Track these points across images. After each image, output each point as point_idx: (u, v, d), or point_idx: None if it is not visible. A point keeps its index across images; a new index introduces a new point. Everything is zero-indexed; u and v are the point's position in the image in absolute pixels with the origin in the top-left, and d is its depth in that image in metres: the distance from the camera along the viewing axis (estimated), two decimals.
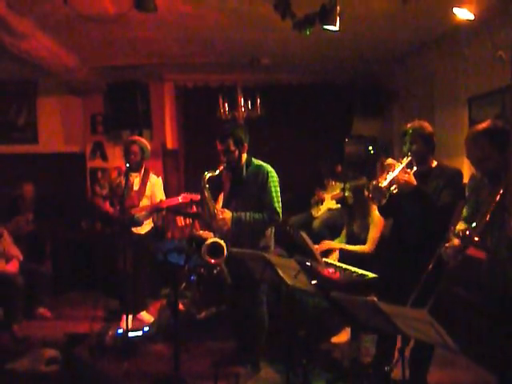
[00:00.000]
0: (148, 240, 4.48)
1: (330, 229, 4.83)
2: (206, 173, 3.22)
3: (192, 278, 4.24)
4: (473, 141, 2.38)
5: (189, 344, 3.65)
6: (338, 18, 3.29)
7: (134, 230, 4.35)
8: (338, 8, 3.26)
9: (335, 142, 6.16)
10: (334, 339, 3.79)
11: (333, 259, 3.68)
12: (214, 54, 5.47)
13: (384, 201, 2.62)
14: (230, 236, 3.17)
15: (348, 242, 3.82)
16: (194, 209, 4.58)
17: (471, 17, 3.85)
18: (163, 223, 5.61)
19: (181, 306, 4.17)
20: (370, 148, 5.90)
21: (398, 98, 6.19)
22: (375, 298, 2.32)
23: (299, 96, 6.35)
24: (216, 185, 3.44)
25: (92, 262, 5.48)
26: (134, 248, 4.28)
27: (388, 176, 2.63)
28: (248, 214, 3.20)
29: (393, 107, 6.29)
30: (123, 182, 4.02)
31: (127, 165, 4.07)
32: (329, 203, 5.39)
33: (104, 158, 6.33)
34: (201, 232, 3.39)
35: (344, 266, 3.22)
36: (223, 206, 3.34)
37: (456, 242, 2.24)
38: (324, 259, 3.33)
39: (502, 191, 2.21)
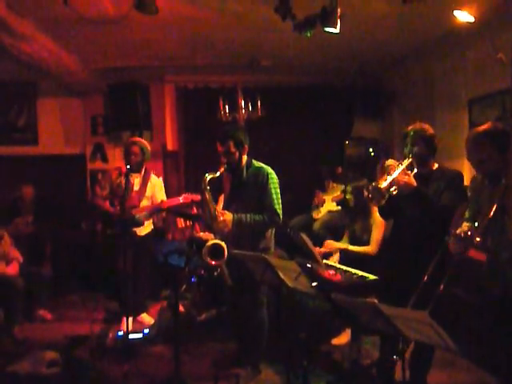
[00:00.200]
0: (148, 241, 4.48)
1: (331, 231, 4.83)
2: (207, 174, 3.22)
3: (192, 279, 4.24)
4: (474, 142, 2.39)
5: (189, 346, 3.65)
6: (338, 20, 3.29)
7: (135, 231, 4.35)
8: (339, 10, 3.27)
9: (335, 144, 6.17)
10: (335, 341, 3.79)
11: (333, 261, 3.68)
12: (215, 56, 5.48)
13: (383, 202, 2.62)
14: (230, 238, 3.17)
15: (350, 244, 3.82)
16: (195, 210, 4.58)
17: (471, 19, 3.86)
18: (163, 225, 5.61)
19: (181, 308, 4.17)
20: (371, 150, 5.91)
21: (398, 99, 6.20)
22: (376, 300, 2.32)
23: (299, 97, 6.35)
24: (216, 186, 3.44)
25: (92, 264, 5.48)
26: (134, 249, 4.28)
27: (388, 177, 2.63)
28: (248, 215, 3.20)
29: (393, 109, 6.30)
30: (123, 182, 4.02)
31: (128, 166, 4.07)
32: (329, 205, 5.39)
33: (104, 159, 6.33)
34: (201, 234, 3.39)
35: (344, 267, 3.22)
36: (224, 208, 3.34)
37: (465, 227, 2.24)
38: (324, 261, 3.33)
39: (502, 193, 2.21)
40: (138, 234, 4.41)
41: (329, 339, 3.78)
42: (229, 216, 3.18)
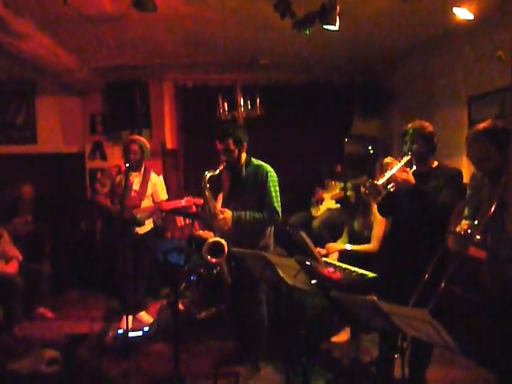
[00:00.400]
0: (148, 240, 4.48)
1: (330, 228, 4.84)
2: (207, 172, 3.22)
3: (192, 277, 4.24)
4: (473, 140, 2.39)
5: (189, 344, 3.65)
6: (337, 18, 3.29)
7: (135, 229, 4.35)
8: (338, 7, 3.27)
9: (335, 142, 6.17)
10: (334, 338, 3.79)
11: (332, 259, 3.68)
12: (214, 54, 5.47)
13: (379, 198, 2.64)
14: (230, 235, 3.17)
15: (350, 241, 3.83)
16: (194, 209, 4.58)
17: (471, 17, 3.86)
18: (163, 223, 5.61)
19: (181, 306, 4.17)
20: (370, 147, 5.91)
21: (397, 97, 6.19)
22: (375, 298, 2.32)
23: (299, 95, 6.34)
24: (215, 184, 3.44)
25: (91, 263, 5.48)
26: (134, 248, 4.28)
27: (386, 174, 2.63)
28: (248, 213, 3.20)
29: (392, 107, 6.30)
30: (123, 181, 4.02)
31: (127, 164, 4.07)
32: (328, 203, 5.39)
33: (103, 157, 6.33)
34: (200, 232, 3.39)
35: (344, 265, 3.22)
36: (223, 206, 3.34)
37: (465, 225, 2.25)
38: (324, 259, 3.33)
39: (502, 191, 2.21)
40: (138, 232, 4.40)
41: (328, 337, 3.79)
42: (229, 214, 3.19)
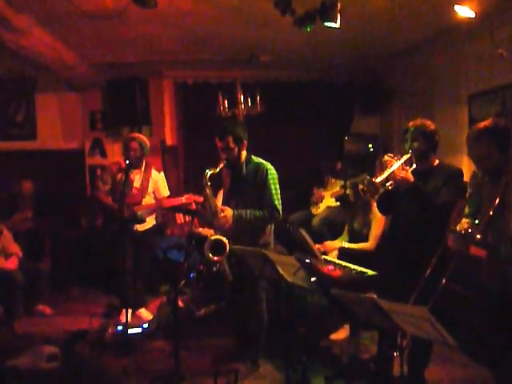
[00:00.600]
0: (148, 237, 4.48)
1: (330, 226, 4.84)
2: (207, 170, 3.22)
3: (191, 275, 4.24)
4: (475, 139, 2.39)
5: (188, 341, 3.65)
6: (338, 15, 3.28)
7: (136, 226, 4.35)
8: (339, 4, 3.25)
9: (335, 140, 6.16)
10: (334, 336, 3.80)
11: (332, 256, 3.68)
12: (214, 51, 5.46)
13: (377, 196, 2.64)
14: (230, 233, 3.17)
15: (350, 239, 3.82)
16: (194, 206, 4.57)
17: (472, 14, 3.85)
18: (163, 220, 5.60)
19: (180, 303, 4.17)
20: (370, 145, 5.91)
21: (397, 95, 6.19)
22: (375, 295, 2.32)
23: (299, 93, 6.33)
24: (215, 182, 3.44)
25: (91, 259, 5.48)
26: (133, 245, 4.28)
27: (385, 172, 2.63)
28: (248, 211, 3.20)
29: (393, 105, 6.29)
30: (123, 178, 4.02)
31: (127, 161, 4.07)
32: (328, 201, 5.39)
33: (103, 154, 6.32)
34: (200, 229, 3.39)
35: (343, 263, 3.22)
36: (223, 204, 3.34)
37: (466, 224, 2.25)
38: (323, 256, 3.33)
39: (502, 190, 2.21)
40: (139, 229, 4.40)
41: (328, 334, 3.79)
42: (229, 212, 3.18)
